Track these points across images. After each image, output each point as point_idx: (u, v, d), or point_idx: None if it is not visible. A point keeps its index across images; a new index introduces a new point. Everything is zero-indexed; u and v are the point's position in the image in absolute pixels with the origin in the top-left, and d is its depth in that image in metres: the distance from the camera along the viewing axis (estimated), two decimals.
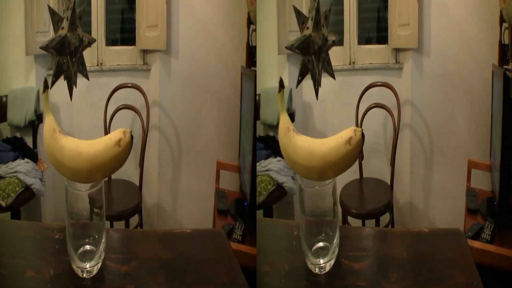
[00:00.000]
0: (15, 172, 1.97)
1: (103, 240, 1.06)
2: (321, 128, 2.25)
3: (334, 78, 1.33)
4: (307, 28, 1.21)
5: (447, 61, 2.13)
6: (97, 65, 2.16)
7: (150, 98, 2.13)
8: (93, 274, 1.05)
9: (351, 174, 2.19)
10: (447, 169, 2.16)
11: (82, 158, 0.99)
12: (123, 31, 2.19)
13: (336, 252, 1.01)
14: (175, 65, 2.16)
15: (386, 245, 1.11)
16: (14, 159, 2.02)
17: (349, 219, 2.00)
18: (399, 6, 2.12)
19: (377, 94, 2.14)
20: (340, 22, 2.23)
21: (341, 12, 2.22)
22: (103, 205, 1.07)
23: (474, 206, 1.83)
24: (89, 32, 2.15)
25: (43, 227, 1.23)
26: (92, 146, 1.01)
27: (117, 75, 2.16)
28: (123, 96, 2.13)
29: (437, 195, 2.17)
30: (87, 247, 1.05)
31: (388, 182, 2.07)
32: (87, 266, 1.04)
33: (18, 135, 2.14)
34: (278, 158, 2.12)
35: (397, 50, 2.17)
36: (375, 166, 2.17)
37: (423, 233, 1.12)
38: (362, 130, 1.01)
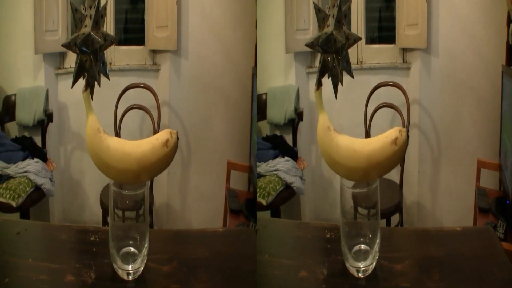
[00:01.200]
0: (25, 172, 1.96)
1: (146, 243, 1.04)
2: None
3: (353, 77, 1.33)
4: (328, 25, 1.21)
5: (454, 61, 2.14)
6: (107, 64, 2.15)
7: (160, 98, 2.13)
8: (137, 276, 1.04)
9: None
10: (455, 169, 2.17)
11: (129, 159, 0.98)
12: (131, 31, 2.19)
13: (377, 254, 1.01)
14: (184, 65, 2.16)
15: (422, 244, 1.11)
16: (23, 159, 2.02)
17: None
18: (407, 6, 2.13)
19: (384, 94, 2.15)
20: (347, 21, 2.23)
21: (347, 12, 2.22)
22: (148, 206, 1.05)
23: (485, 205, 1.84)
24: None
25: (78, 229, 1.22)
26: (139, 146, 1.00)
27: (126, 75, 2.16)
28: (132, 96, 2.13)
29: (444, 195, 2.18)
30: (130, 249, 1.04)
31: (396, 181, 2.08)
32: (130, 268, 1.04)
33: (26, 134, 2.13)
34: (286, 158, 2.12)
35: (404, 50, 2.18)
36: None
37: (455, 232, 1.12)
38: (407, 130, 1.01)
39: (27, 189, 1.93)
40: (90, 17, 1.16)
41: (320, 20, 1.20)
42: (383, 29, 2.23)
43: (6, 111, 2.08)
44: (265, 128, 2.23)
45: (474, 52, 2.12)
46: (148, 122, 2.18)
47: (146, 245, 1.04)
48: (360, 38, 1.25)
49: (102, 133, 1.01)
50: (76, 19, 1.17)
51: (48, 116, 2.08)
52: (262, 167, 2.06)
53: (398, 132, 0.97)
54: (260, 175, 2.05)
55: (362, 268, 1.00)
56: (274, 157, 2.11)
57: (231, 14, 2.17)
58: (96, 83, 1.23)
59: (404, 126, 2.03)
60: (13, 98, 2.10)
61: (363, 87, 2.19)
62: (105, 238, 1.10)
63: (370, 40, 2.22)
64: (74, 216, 2.22)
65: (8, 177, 1.95)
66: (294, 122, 2.18)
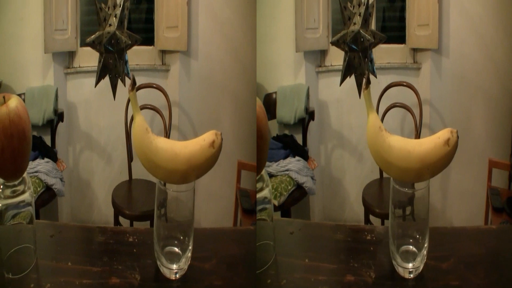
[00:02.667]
0: (36, 172, 1.94)
1: (191, 242, 1.05)
2: (337, 127, 2.25)
3: (376, 76, 1.33)
4: (354, 23, 1.20)
5: (465, 62, 2.15)
6: None
7: (169, 98, 2.12)
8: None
9: (370, 174, 2.20)
10: (465, 169, 2.17)
11: (178, 159, 0.99)
12: (140, 31, 2.18)
13: (426, 255, 1.01)
14: (194, 66, 2.15)
15: (462, 243, 1.12)
16: (33, 159, 2.00)
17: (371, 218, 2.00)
18: (418, 6, 2.12)
19: (394, 94, 2.15)
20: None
21: None
22: (193, 206, 1.05)
23: (499, 205, 1.84)
24: None
25: (114, 230, 1.21)
26: (186, 147, 1.00)
27: (135, 75, 2.13)
28: (141, 96, 2.11)
29: (454, 194, 2.18)
30: (174, 248, 1.04)
31: None
32: (174, 268, 1.04)
33: (35, 134, 2.11)
34: (297, 158, 2.11)
35: (414, 50, 2.18)
36: None
37: (492, 229, 1.12)
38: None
39: (38, 189, 1.92)
40: (115, 16, 1.15)
41: (346, 18, 1.20)
42: (392, 29, 2.22)
43: None
44: (273, 128, 2.23)
45: (484, 52, 2.13)
46: (157, 122, 2.17)
47: (190, 244, 1.04)
48: (385, 38, 1.25)
49: (151, 133, 1.02)
50: (101, 18, 1.17)
51: (59, 116, 2.06)
52: (273, 167, 2.06)
53: (449, 133, 0.98)
54: (271, 175, 2.04)
55: (411, 269, 1.00)
56: (285, 157, 2.10)
57: (241, 14, 2.16)
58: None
59: (416, 126, 2.03)
60: (22, 97, 2.09)
61: (373, 86, 2.17)
62: (144, 239, 1.10)
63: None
64: (83, 216, 2.21)
65: None
66: (304, 121, 2.18)
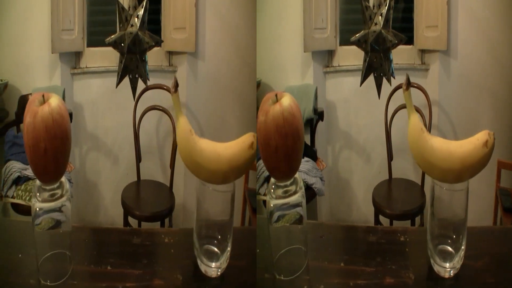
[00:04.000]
0: None
1: (229, 241, 1.05)
2: (345, 128, 2.25)
3: (394, 77, 1.33)
4: (376, 24, 1.20)
5: (472, 63, 2.15)
6: None
7: None
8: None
9: (378, 175, 2.20)
10: None
11: (221, 159, 0.98)
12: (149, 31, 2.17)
13: (463, 254, 1.01)
14: (201, 67, 2.14)
15: (490, 241, 1.12)
16: None
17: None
18: (426, 8, 2.13)
19: (401, 95, 2.15)
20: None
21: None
22: (234, 205, 1.05)
23: (509, 205, 1.85)
24: (115, 33, 2.12)
25: (149, 232, 1.20)
26: (227, 148, 0.99)
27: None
28: (149, 97, 2.10)
29: None
30: (212, 247, 1.04)
31: (417, 182, 2.08)
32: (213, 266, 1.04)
33: None
34: (306, 158, 2.10)
35: (422, 51, 2.18)
36: (400, 167, 2.18)
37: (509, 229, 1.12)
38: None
39: None
40: (137, 17, 1.14)
41: (367, 18, 1.19)
42: (400, 30, 2.22)
43: (23, 110, 2.03)
44: None
45: (492, 54, 2.13)
46: (163, 123, 2.16)
47: (229, 243, 1.04)
48: (405, 39, 1.25)
49: (194, 134, 1.01)
50: (122, 18, 1.16)
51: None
52: (30, 170, 2.02)
53: (487, 135, 0.99)
54: (28, 178, 1.98)
55: (449, 268, 1.01)
56: None
57: (247, 16, 2.16)
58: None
59: (425, 127, 2.03)
60: (28, 97, 2.06)
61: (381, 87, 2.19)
62: (181, 239, 1.09)
63: None
64: (89, 217, 2.19)
65: (27, 179, 1.91)
66: (312, 122, 2.17)
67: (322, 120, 2.16)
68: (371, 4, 1.18)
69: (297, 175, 1.01)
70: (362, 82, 1.24)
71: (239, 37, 2.15)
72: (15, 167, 1.91)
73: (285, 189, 1.01)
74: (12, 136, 2.00)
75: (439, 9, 2.10)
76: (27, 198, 1.85)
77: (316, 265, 1.05)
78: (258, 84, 2.19)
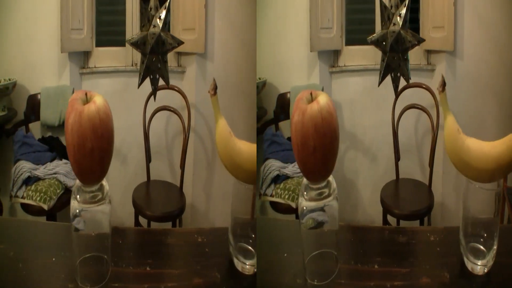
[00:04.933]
0: (55, 173, 1.92)
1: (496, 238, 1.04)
2: (350, 128, 2.26)
3: (410, 78, 1.33)
4: (394, 24, 1.20)
5: (478, 64, 2.17)
6: (132, 65, 2.13)
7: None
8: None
9: (384, 175, 2.21)
10: None
11: (488, 158, 0.97)
12: None
13: (495, 252, 1.02)
14: (210, 68, 2.15)
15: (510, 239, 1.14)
16: (51, 160, 1.98)
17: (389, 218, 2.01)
18: (432, 8, 2.14)
19: (409, 95, 2.16)
20: (371, 22, 2.24)
21: (372, 12, 2.23)
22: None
23: None
24: (123, 33, 2.13)
25: (182, 232, 1.20)
26: (494, 147, 0.98)
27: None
28: (157, 97, 2.11)
29: None
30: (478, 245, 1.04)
31: (424, 182, 2.10)
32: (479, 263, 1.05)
33: (50, 134, 2.10)
34: None
35: (429, 52, 2.20)
36: (406, 167, 2.20)
37: None
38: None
39: (58, 191, 1.89)
40: (159, 18, 1.15)
41: (385, 18, 1.19)
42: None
43: (32, 110, 2.04)
44: (286, 128, 2.23)
45: (498, 55, 2.15)
46: (172, 123, 2.16)
47: (495, 241, 1.04)
48: (423, 40, 1.26)
49: (233, 136, 1.01)
50: (144, 19, 1.16)
51: None
52: (289, 169, 2.05)
53: None
54: (287, 177, 2.04)
55: (482, 265, 1.02)
56: None
57: (254, 17, 2.17)
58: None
59: (432, 127, 2.05)
60: (38, 97, 2.07)
61: (387, 87, 2.19)
62: (213, 239, 1.10)
63: None
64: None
65: (37, 179, 1.91)
66: None
67: None
68: (387, 4, 1.19)
69: (330, 177, 1.00)
70: (380, 82, 1.24)
71: (247, 38, 2.16)
72: (25, 167, 1.92)
73: (318, 191, 1.00)
74: (21, 136, 2.00)
75: (446, 9, 2.11)
76: (38, 198, 1.85)
77: (348, 269, 1.05)
78: (264, 84, 2.20)
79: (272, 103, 2.21)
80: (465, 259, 1.03)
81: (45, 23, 2.07)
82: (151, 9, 1.18)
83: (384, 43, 1.20)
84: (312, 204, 1.01)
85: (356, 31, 2.27)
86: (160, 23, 1.15)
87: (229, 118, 2.17)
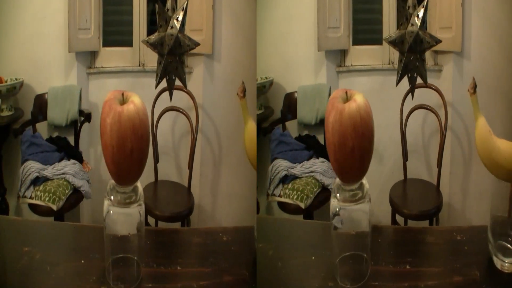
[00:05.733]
0: (63, 173, 1.92)
1: None
2: None
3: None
4: (412, 25, 1.20)
5: (485, 65, 2.17)
6: (139, 65, 2.13)
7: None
8: None
9: (391, 175, 2.21)
10: (485, 170, 2.19)
11: None
12: None
13: None
14: (217, 69, 2.15)
15: None
16: (59, 160, 1.97)
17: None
18: (439, 9, 2.14)
19: (416, 96, 2.16)
20: (379, 22, 2.24)
21: (379, 11, 2.23)
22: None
23: None
24: (130, 33, 2.13)
25: (206, 231, 1.21)
26: None
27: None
28: (164, 97, 2.10)
29: (474, 196, 2.20)
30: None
31: (432, 182, 2.10)
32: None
33: (58, 134, 2.09)
34: (322, 159, 2.11)
35: (435, 52, 2.20)
36: (414, 167, 2.20)
37: None
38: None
39: (66, 191, 1.89)
40: (177, 20, 1.14)
41: (403, 18, 1.20)
42: None
43: (39, 110, 2.03)
44: (293, 128, 2.23)
45: (505, 56, 2.15)
46: (180, 124, 2.16)
47: None
48: (440, 41, 1.26)
49: (493, 134, 1.00)
50: (161, 20, 1.16)
51: (87, 116, 2.04)
52: (297, 169, 2.05)
53: None
54: (295, 177, 2.04)
55: (508, 263, 1.03)
56: (309, 158, 2.10)
57: (261, 17, 2.16)
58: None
59: (440, 128, 2.05)
60: (45, 97, 2.06)
61: (395, 88, 2.20)
62: (238, 238, 1.10)
63: None
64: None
65: (45, 179, 1.90)
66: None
67: None
68: (410, 4, 1.19)
69: (364, 179, 1.00)
70: (398, 83, 1.25)
71: (253, 39, 2.16)
72: (33, 167, 1.91)
73: (352, 193, 0.99)
74: (29, 136, 1.99)
75: (453, 10, 2.11)
76: (46, 198, 1.84)
77: (380, 270, 1.05)
78: (271, 83, 2.20)
79: (279, 102, 2.21)
80: (494, 258, 1.04)
81: (52, 22, 2.06)
82: (168, 10, 1.18)
83: (402, 43, 1.21)
84: (346, 205, 1.00)
85: (363, 31, 2.27)
86: (177, 25, 1.15)
87: (236, 119, 2.18)
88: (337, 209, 0.99)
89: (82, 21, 2.06)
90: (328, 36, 2.20)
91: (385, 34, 2.23)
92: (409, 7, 1.21)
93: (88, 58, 2.13)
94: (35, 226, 1.34)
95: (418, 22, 1.19)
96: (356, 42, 2.26)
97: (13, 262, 1.06)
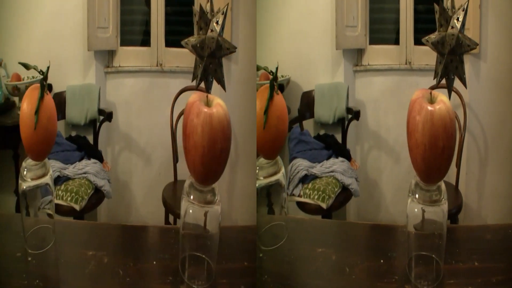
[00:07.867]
0: (85, 173, 1.91)
1: None
2: (374, 127, 2.26)
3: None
4: (452, 27, 1.20)
5: (501, 67, 2.18)
6: (157, 65, 2.12)
7: None
8: None
9: (407, 175, 2.22)
10: (500, 170, 2.21)
11: None
12: (181, 34, 2.16)
13: None
14: (234, 69, 2.14)
15: None
16: (80, 159, 1.97)
17: None
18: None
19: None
20: (396, 21, 2.24)
21: (396, 11, 2.23)
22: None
23: None
24: (148, 33, 2.12)
25: (234, 229, 1.21)
26: None
27: (176, 77, 2.13)
28: (182, 98, 2.10)
29: (490, 195, 2.22)
30: None
31: (448, 182, 2.11)
32: None
33: (76, 133, 2.08)
34: (341, 158, 2.10)
35: None
36: None
37: None
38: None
39: (88, 191, 1.88)
40: (217, 23, 1.14)
41: (444, 20, 1.20)
42: (429, 31, 2.24)
43: (59, 108, 2.02)
44: (310, 127, 2.23)
45: None
46: None
47: None
48: (477, 44, 1.26)
49: None
50: (202, 22, 1.15)
51: (108, 115, 2.03)
52: (317, 168, 2.05)
53: None
54: (315, 177, 2.03)
55: None
56: (328, 158, 2.09)
57: (276, 15, 2.16)
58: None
59: (459, 128, 2.06)
60: (63, 95, 2.05)
61: (412, 88, 2.20)
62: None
63: (419, 41, 2.23)
64: (121, 217, 2.18)
65: (67, 179, 1.90)
66: (343, 121, 2.18)
67: (357, 119, 2.16)
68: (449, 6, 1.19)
69: (441, 182, 1.01)
70: (438, 83, 1.25)
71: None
72: (55, 167, 1.90)
73: (430, 193, 1.01)
74: None
75: (471, 12, 2.11)
76: (68, 198, 1.83)
77: (451, 268, 1.07)
78: (288, 81, 2.20)
79: (295, 101, 2.21)
80: None
81: (71, 20, 2.06)
82: (207, 13, 1.18)
83: (443, 45, 1.21)
84: (426, 206, 1.02)
85: (380, 30, 2.27)
86: (217, 28, 1.14)
87: (252, 118, 2.18)
88: (416, 210, 1.01)
89: (100, 19, 2.05)
90: (346, 34, 2.20)
91: (402, 34, 2.23)
92: (448, 9, 1.21)
93: (106, 57, 2.12)
94: (86, 228, 1.32)
95: (458, 25, 1.19)
96: (373, 41, 2.26)
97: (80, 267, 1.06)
